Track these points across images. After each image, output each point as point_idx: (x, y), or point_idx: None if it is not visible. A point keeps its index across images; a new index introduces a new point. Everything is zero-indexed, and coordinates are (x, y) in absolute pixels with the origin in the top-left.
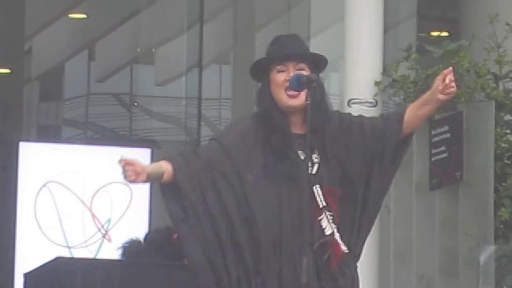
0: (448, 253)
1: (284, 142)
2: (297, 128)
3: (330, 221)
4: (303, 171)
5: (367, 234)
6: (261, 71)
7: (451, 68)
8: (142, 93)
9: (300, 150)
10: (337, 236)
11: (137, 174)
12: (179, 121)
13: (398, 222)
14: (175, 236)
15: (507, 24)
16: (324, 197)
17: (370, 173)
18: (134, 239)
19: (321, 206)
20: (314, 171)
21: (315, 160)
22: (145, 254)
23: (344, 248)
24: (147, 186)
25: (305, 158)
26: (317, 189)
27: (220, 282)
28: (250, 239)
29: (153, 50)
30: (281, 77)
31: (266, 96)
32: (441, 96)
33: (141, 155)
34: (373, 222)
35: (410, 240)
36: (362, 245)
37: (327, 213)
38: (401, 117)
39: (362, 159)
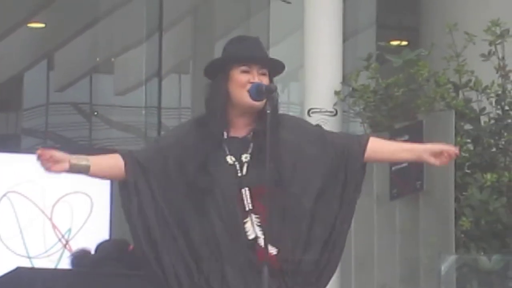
0: (409, 262)
1: (215, 149)
2: (237, 130)
3: (255, 224)
4: (230, 176)
5: (321, 254)
6: (219, 68)
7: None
8: (101, 102)
9: (231, 154)
10: (260, 240)
11: (56, 161)
12: (139, 130)
13: (359, 231)
14: (131, 247)
15: (466, 33)
16: (251, 200)
17: (324, 191)
18: (84, 249)
19: (247, 209)
20: (244, 172)
21: (244, 160)
22: (98, 264)
23: (272, 251)
24: (107, 195)
25: (234, 161)
26: (245, 191)
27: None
28: (188, 243)
29: (113, 59)
30: (244, 77)
31: (221, 92)
32: (432, 160)
33: None
34: (331, 243)
35: (371, 250)
36: (314, 264)
37: (253, 216)
38: (363, 148)
39: (317, 172)
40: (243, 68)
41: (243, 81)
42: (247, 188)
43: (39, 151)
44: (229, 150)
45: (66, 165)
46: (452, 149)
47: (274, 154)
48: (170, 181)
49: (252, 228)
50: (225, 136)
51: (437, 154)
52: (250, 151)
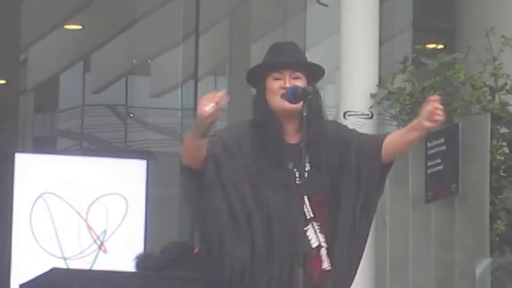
0: (444, 266)
1: (279, 150)
2: (290, 137)
3: (317, 231)
4: (292, 181)
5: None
6: (257, 77)
7: (437, 96)
8: (137, 104)
9: (290, 160)
10: (323, 249)
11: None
12: (175, 132)
13: (394, 234)
14: (196, 250)
15: (503, 36)
16: (311, 208)
17: (358, 191)
18: (148, 252)
19: (308, 217)
20: (302, 180)
21: (306, 169)
22: (162, 266)
23: (326, 265)
24: (143, 197)
25: (293, 167)
26: (305, 199)
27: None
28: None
29: (149, 61)
30: (276, 84)
31: (261, 103)
32: (427, 124)
33: (137, 167)
34: (358, 245)
35: (406, 253)
36: (352, 266)
37: (314, 224)
38: (380, 146)
39: (350, 173)
40: (275, 75)
41: (275, 88)
42: (306, 196)
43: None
44: (288, 155)
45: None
46: (430, 98)
47: (327, 163)
48: (238, 177)
49: (315, 236)
50: (283, 141)
51: (429, 116)
52: (308, 160)
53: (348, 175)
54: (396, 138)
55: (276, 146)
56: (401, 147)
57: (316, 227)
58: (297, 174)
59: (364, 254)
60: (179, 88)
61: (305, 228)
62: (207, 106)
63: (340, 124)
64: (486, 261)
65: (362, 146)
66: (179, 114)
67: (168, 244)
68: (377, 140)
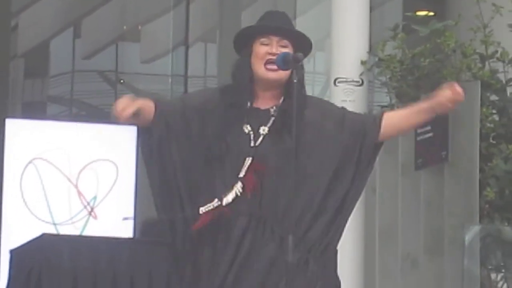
0: (433, 232)
1: (240, 114)
2: (262, 103)
3: (236, 192)
4: (243, 145)
5: (329, 226)
6: (244, 41)
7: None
8: (127, 70)
9: (248, 124)
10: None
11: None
12: (165, 98)
13: (383, 202)
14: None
15: (493, 4)
16: (247, 170)
17: (339, 168)
18: (153, 218)
19: (239, 175)
20: (257, 143)
21: (262, 132)
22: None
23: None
24: (133, 163)
25: (249, 131)
26: (248, 160)
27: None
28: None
29: (139, 27)
30: (263, 49)
31: (245, 66)
32: (450, 104)
33: (127, 133)
34: (339, 217)
35: (395, 220)
36: (322, 233)
37: (239, 184)
38: (378, 127)
39: (335, 151)
40: (263, 40)
41: (261, 53)
42: (250, 158)
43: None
44: (248, 119)
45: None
46: (454, 89)
47: (291, 131)
48: (189, 142)
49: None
50: (248, 106)
51: (450, 99)
52: (269, 124)
53: (340, 152)
54: (399, 120)
55: (237, 112)
56: (405, 129)
57: (240, 188)
58: (251, 137)
59: (354, 221)
60: (170, 55)
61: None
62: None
63: (328, 102)
64: (475, 228)
65: (357, 125)
66: (170, 80)
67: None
68: (375, 120)
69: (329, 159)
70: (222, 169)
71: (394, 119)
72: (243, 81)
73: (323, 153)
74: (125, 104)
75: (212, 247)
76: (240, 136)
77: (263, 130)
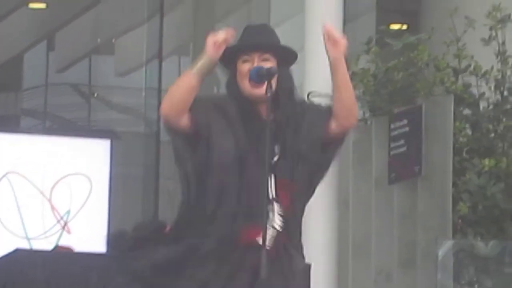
0: (406, 247)
1: (258, 127)
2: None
3: (278, 213)
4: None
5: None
6: (229, 60)
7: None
8: (101, 83)
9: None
10: (275, 229)
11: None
12: (139, 112)
13: (357, 216)
14: (168, 228)
15: (466, 18)
16: (275, 189)
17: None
18: (122, 229)
19: (270, 197)
20: (273, 161)
21: (276, 151)
22: (135, 245)
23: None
24: (106, 176)
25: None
26: (271, 179)
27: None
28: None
29: (113, 40)
30: (245, 67)
31: (233, 86)
32: (333, 53)
33: (101, 146)
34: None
35: (369, 234)
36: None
37: (275, 204)
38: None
39: (319, 149)
40: (244, 57)
41: (244, 71)
42: (273, 176)
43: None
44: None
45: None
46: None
47: (291, 147)
48: (221, 140)
49: (273, 216)
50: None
51: (333, 43)
52: (279, 141)
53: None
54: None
55: (255, 122)
56: (338, 96)
57: (277, 208)
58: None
59: (327, 234)
60: (143, 68)
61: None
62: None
63: (307, 102)
64: (449, 243)
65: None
66: (143, 93)
67: (140, 223)
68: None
69: (318, 163)
70: (243, 183)
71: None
72: (239, 99)
73: (312, 159)
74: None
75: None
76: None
77: (277, 149)
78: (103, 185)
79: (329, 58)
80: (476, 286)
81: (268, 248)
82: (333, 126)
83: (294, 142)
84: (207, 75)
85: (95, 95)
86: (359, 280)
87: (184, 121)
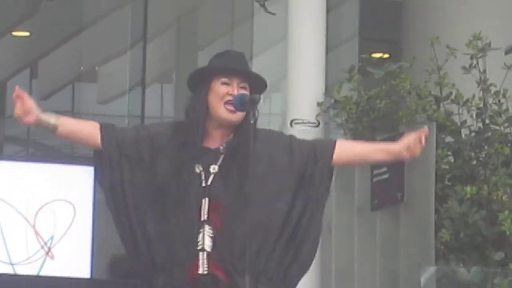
0: (389, 274)
1: (189, 156)
2: (212, 141)
3: (207, 235)
4: (195, 185)
5: (285, 252)
6: (201, 79)
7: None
8: (84, 111)
9: (200, 163)
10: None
11: (26, 111)
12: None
13: (339, 242)
14: None
15: (448, 46)
16: (208, 211)
17: (296, 196)
18: (120, 256)
19: (202, 219)
20: (208, 183)
21: (212, 171)
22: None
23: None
24: (90, 203)
25: (200, 171)
26: (205, 202)
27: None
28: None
29: (96, 68)
30: (224, 89)
31: (202, 104)
32: (405, 153)
33: (84, 173)
34: (296, 242)
35: (352, 261)
36: (278, 263)
37: (206, 227)
38: (331, 152)
39: (290, 182)
40: (224, 80)
41: (223, 93)
42: (207, 199)
43: (16, 90)
44: (199, 159)
45: (32, 118)
46: (420, 134)
47: (242, 168)
48: (140, 173)
49: (202, 239)
50: (199, 145)
51: (411, 147)
52: (219, 162)
53: (293, 183)
54: (356, 151)
55: (190, 152)
56: (356, 161)
57: (208, 230)
58: (203, 177)
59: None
60: (126, 95)
61: (199, 230)
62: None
63: (276, 132)
64: (431, 269)
65: (306, 150)
66: (126, 121)
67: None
68: (327, 144)
69: (283, 192)
70: (174, 209)
71: (352, 148)
72: (198, 119)
73: (277, 183)
74: (27, 109)
75: None
76: (193, 176)
77: (213, 168)
78: (87, 212)
79: (394, 148)
80: None
81: (205, 272)
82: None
83: (246, 166)
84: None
85: None
86: None
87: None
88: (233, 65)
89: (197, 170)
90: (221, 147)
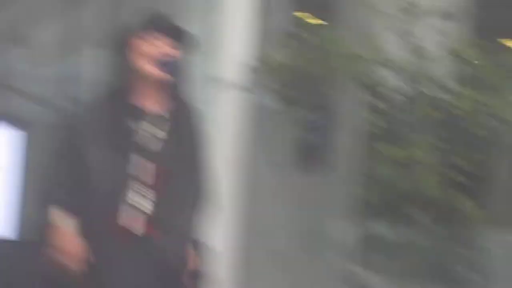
0: (314, 234)
1: (132, 116)
2: (152, 104)
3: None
4: (140, 150)
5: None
6: (123, 40)
7: None
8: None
9: (146, 129)
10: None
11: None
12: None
13: (263, 202)
14: None
15: (379, 11)
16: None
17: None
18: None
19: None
20: (159, 149)
21: (160, 137)
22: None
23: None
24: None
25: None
26: (151, 166)
27: None
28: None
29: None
30: (155, 49)
31: (128, 66)
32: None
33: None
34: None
35: (276, 220)
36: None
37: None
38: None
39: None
40: (155, 41)
41: (153, 53)
42: (154, 164)
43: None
44: (144, 124)
45: None
46: None
47: (182, 138)
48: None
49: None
50: (141, 108)
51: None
52: (167, 129)
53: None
54: None
55: (134, 115)
56: None
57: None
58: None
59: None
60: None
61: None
62: None
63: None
64: (356, 229)
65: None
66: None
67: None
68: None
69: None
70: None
71: None
72: (130, 81)
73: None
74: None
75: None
76: (138, 141)
77: (160, 135)
78: (13, 173)
79: None
80: (383, 272)
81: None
82: None
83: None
84: None
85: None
86: (260, 262)
87: None
88: (166, 24)
89: (145, 135)
90: (165, 114)
